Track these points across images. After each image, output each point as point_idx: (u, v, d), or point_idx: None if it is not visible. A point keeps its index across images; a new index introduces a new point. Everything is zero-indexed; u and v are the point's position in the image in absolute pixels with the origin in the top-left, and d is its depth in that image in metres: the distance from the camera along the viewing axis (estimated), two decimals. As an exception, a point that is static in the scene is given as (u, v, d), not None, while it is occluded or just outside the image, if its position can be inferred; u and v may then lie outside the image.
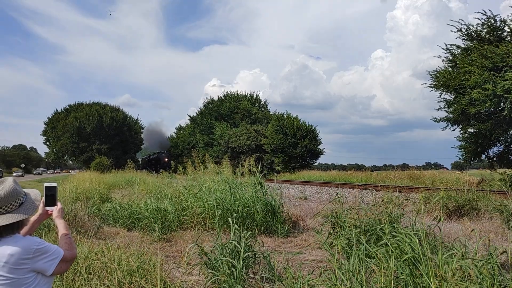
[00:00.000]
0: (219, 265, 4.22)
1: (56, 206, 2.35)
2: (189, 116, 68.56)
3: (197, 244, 4.50)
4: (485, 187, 16.12)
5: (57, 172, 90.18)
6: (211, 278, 4.15)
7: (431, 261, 3.59)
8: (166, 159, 53.70)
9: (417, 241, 3.92)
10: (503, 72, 16.83)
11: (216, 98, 64.75)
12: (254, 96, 62.53)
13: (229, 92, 64.37)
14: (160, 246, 6.37)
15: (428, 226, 4.84)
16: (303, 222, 8.45)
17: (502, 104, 17.27)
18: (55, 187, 2.40)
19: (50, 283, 2.06)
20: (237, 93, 63.22)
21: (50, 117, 58.77)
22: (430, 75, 21.33)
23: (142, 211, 8.19)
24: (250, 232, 5.71)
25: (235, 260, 4.29)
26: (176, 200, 8.49)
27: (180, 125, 73.64)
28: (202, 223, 7.53)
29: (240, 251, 4.38)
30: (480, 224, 7.07)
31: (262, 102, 62.26)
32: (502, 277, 3.53)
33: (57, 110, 59.68)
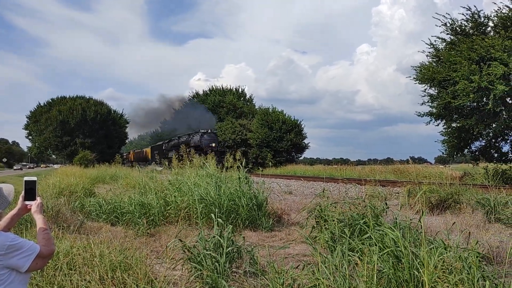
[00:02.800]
0: (202, 259, 4.20)
1: (35, 201, 2.30)
2: (174, 109, 67.98)
3: (180, 239, 4.47)
4: (467, 181, 16.34)
5: (38, 166, 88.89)
6: (194, 272, 4.13)
7: (413, 254, 3.62)
8: (214, 144, 37.16)
9: (400, 234, 3.94)
10: (486, 66, 17.04)
11: (201, 92, 64.43)
12: (240, 90, 62.40)
13: (214, 86, 64.13)
14: (144, 241, 6.32)
15: (411, 220, 4.87)
16: (288, 217, 8.47)
17: (485, 98, 17.48)
18: (34, 181, 2.36)
19: (26, 280, 2.02)
20: (223, 87, 63.03)
21: (33, 110, 57.89)
22: (415, 69, 21.49)
23: (126, 206, 8.12)
24: (234, 226, 5.71)
25: (219, 254, 4.28)
26: (160, 195, 8.43)
27: (165, 119, 73.09)
28: (187, 218, 7.50)
29: (224, 246, 4.37)
30: (462, 218, 7.15)
31: (248, 96, 62.15)
32: (482, 269, 3.56)
33: (39, 104, 58.80)
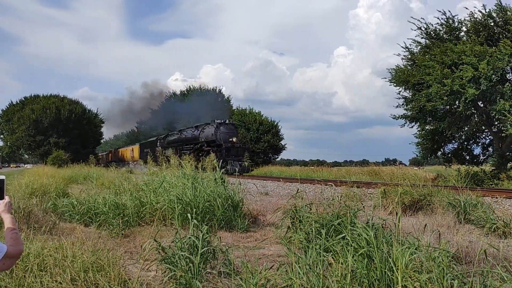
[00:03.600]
0: (176, 260, 4.18)
1: (3, 200, 2.26)
2: (151, 109, 67.33)
3: (155, 240, 4.44)
4: (440, 182, 16.63)
5: (8, 166, 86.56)
6: (168, 273, 4.11)
7: (387, 253, 3.68)
8: (234, 139, 29.40)
9: (373, 235, 4.00)
10: (458, 70, 17.44)
11: (178, 92, 64.05)
12: (217, 91, 62.29)
13: (192, 87, 63.88)
14: (118, 242, 6.25)
15: (384, 220, 4.95)
16: (263, 217, 8.49)
17: (457, 102, 17.88)
18: (3, 180, 2.32)
19: None
20: (200, 88, 62.82)
21: (5, 109, 56.51)
22: (390, 72, 21.85)
23: (100, 206, 8.01)
24: (210, 227, 5.70)
25: (193, 255, 4.27)
26: (135, 196, 8.35)
27: (141, 119, 72.35)
28: (162, 219, 7.45)
29: (198, 246, 4.36)
30: (434, 218, 7.30)
31: (225, 97, 62.09)
32: (452, 269, 3.65)
33: (12, 102, 57.39)
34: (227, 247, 4.84)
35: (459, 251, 4.72)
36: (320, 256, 3.94)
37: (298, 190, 6.77)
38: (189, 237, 4.52)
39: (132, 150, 51.24)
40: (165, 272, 4.21)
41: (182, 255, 4.20)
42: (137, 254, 5.28)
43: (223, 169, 28.01)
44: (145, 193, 8.50)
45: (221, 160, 25.01)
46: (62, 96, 57.89)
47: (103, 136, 66.02)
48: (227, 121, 30.71)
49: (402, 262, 3.39)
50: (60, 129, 52.92)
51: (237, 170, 25.78)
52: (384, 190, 8.49)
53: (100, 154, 67.95)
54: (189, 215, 5.20)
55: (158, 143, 40.10)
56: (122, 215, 7.55)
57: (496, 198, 9.76)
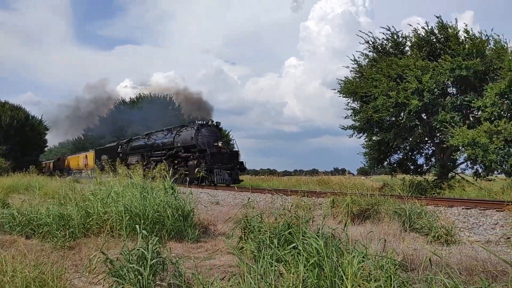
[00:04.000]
0: (125, 273, 4.06)
1: None
2: (99, 117, 65.55)
3: (102, 252, 4.29)
4: (386, 191, 17.14)
5: None
6: (116, 286, 3.98)
7: (336, 262, 3.74)
8: (220, 143, 25.15)
9: (323, 244, 4.06)
10: (403, 83, 18.18)
11: (128, 100, 62.80)
12: (168, 98, 61.62)
13: (142, 94, 62.81)
14: (62, 254, 5.99)
15: (333, 229, 5.03)
16: (214, 227, 8.43)
17: (402, 113, 18.59)
18: None
19: None
20: (150, 95, 61.90)
21: None
22: (339, 83, 22.44)
23: (43, 217, 7.66)
24: (160, 238, 5.58)
25: (142, 267, 4.16)
26: (81, 206, 8.05)
27: (89, 126, 70.22)
28: (110, 230, 7.22)
29: (148, 258, 4.25)
30: (381, 227, 7.50)
31: (176, 105, 61.49)
32: (398, 276, 3.75)
33: None
34: (178, 258, 4.76)
35: (404, 259, 4.86)
36: (271, 266, 3.94)
37: (249, 199, 6.77)
38: (138, 249, 4.41)
39: (86, 157, 46.84)
40: (112, 285, 4.08)
41: (130, 267, 4.08)
42: (83, 267, 5.09)
43: (204, 181, 23.50)
44: (92, 203, 8.22)
45: (204, 169, 22.08)
46: (3, 101, 55.20)
47: (47, 144, 63.35)
48: (209, 122, 26.03)
49: (352, 271, 3.45)
50: (1, 136, 50.38)
51: (226, 181, 23.18)
52: (333, 199, 8.64)
53: (44, 162, 64.93)
54: (137, 226, 5.06)
55: (119, 149, 36.01)
56: (67, 226, 7.26)
57: (439, 206, 10.18)
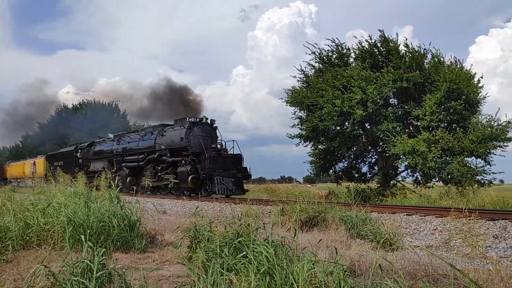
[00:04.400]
0: (68, 286, 3.89)
1: None
2: (39, 123, 62.84)
3: (44, 265, 4.09)
4: (332, 199, 17.52)
5: None
6: (59, 301, 3.80)
7: (286, 270, 3.76)
8: (218, 145, 21.21)
9: (273, 252, 4.08)
10: (348, 93, 18.74)
11: (70, 106, 60.72)
12: (113, 105, 60.14)
13: (85, 101, 60.92)
14: (-2, 268, 5.66)
15: (283, 237, 5.07)
16: (162, 237, 8.26)
17: (347, 122, 19.15)
18: None
19: None
20: (95, 102, 60.16)
21: None
22: (286, 93, 22.79)
23: (-24, 229, 7.20)
24: (105, 248, 5.40)
25: (87, 280, 4.00)
26: (20, 217, 7.65)
27: (27, 133, 67.16)
28: (51, 241, 6.90)
29: (93, 270, 4.10)
30: (328, 234, 7.64)
31: (121, 112, 60.11)
32: (347, 282, 3.82)
33: None
34: (124, 270, 4.61)
35: (352, 265, 4.96)
36: (222, 275, 3.91)
37: (197, 208, 6.70)
38: (83, 261, 4.24)
39: (34, 164, 41.79)
40: (55, 300, 3.89)
41: (75, 280, 3.91)
42: (21, 281, 4.82)
43: (200, 191, 19.88)
44: (32, 213, 7.83)
45: (202, 176, 19.15)
46: None
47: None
48: (203, 119, 21.54)
49: (303, 278, 3.49)
50: None
51: (230, 191, 19.03)
52: (282, 207, 8.72)
53: None
54: (82, 236, 4.88)
55: (78, 154, 31.71)
56: (4, 238, 6.86)
57: (382, 213, 10.52)
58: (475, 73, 18.63)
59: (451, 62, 19.60)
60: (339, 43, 22.24)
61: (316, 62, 22.75)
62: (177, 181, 20.50)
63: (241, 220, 5.90)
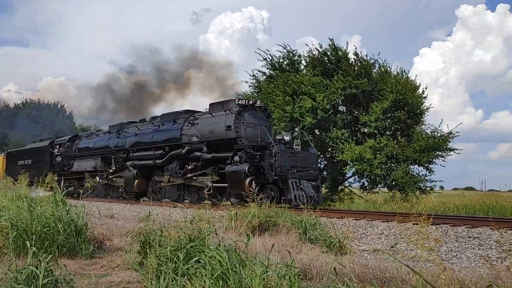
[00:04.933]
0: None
1: None
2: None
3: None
4: (282, 204, 17.67)
5: None
6: (1, 310, 3.62)
7: (240, 274, 3.77)
8: (287, 137, 15.57)
9: (227, 256, 4.08)
10: (299, 100, 19.06)
11: (12, 106, 58.02)
12: (59, 106, 58.06)
13: (29, 100, 58.42)
14: None
15: (235, 242, 5.07)
16: (110, 242, 8.04)
17: (297, 128, 19.47)
18: None
19: None
20: (39, 101, 57.83)
21: None
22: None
23: None
24: (51, 255, 5.20)
25: (32, 287, 3.84)
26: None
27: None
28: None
29: (39, 277, 3.94)
30: (280, 238, 7.72)
31: (68, 113, 58.13)
32: (299, 285, 3.88)
33: None
34: (72, 276, 4.46)
35: (304, 268, 5.04)
36: (175, 281, 3.86)
37: (150, 212, 6.58)
38: (27, 267, 4.06)
39: None
40: (-4, 308, 3.70)
41: (19, 288, 3.75)
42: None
43: (263, 197, 13.15)
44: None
45: (271, 178, 13.67)
46: None
47: None
48: (257, 103, 16.55)
49: (257, 282, 3.51)
50: None
51: (312, 198, 13.45)
52: (236, 212, 8.73)
53: None
54: (27, 242, 4.67)
55: (56, 151, 25.81)
56: None
57: (331, 218, 10.75)
58: (419, 84, 19.46)
59: (397, 72, 20.38)
60: (291, 50, 22.66)
61: (267, 68, 23.03)
62: (221, 184, 15.27)
63: (193, 224, 5.86)
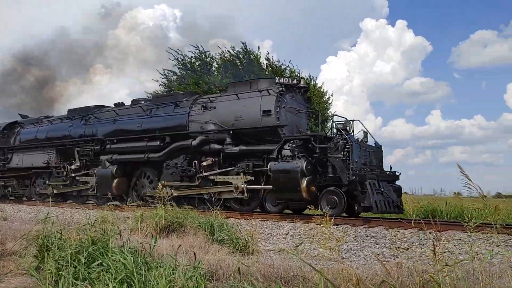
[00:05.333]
0: None
1: None
2: None
3: None
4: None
5: None
6: None
7: (145, 277, 3.69)
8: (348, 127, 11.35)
9: (131, 259, 3.97)
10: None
11: None
12: None
13: None
14: None
15: (141, 244, 4.95)
16: (2, 246, 7.45)
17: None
18: None
19: None
20: None
21: None
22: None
23: None
24: None
25: None
26: None
27: None
28: None
29: None
30: (187, 240, 7.66)
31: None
32: (206, 286, 3.88)
33: None
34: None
35: (211, 269, 5.05)
36: (74, 286, 3.68)
37: (48, 214, 6.21)
38: None
39: None
40: None
41: None
42: None
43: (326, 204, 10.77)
44: None
45: (345, 179, 10.40)
46: None
47: None
48: (301, 82, 12.96)
49: (163, 284, 3.46)
50: None
51: (394, 205, 10.79)
52: (141, 214, 8.51)
53: None
54: None
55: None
56: None
57: (239, 219, 10.89)
58: (326, 91, 20.40)
59: (307, 78, 21.20)
60: (203, 51, 22.63)
61: (179, 68, 22.81)
62: (257, 186, 11.88)
63: (96, 226, 5.64)
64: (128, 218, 9.12)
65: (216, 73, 21.91)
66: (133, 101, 16.27)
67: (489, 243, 7.22)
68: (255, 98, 12.13)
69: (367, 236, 8.61)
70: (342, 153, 10.79)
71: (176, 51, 22.62)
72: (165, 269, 3.90)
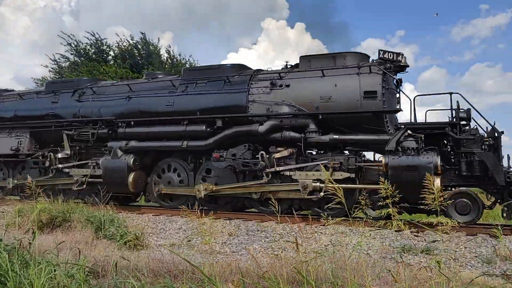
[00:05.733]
0: None
1: None
2: None
3: None
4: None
5: None
6: None
7: (22, 275, 3.46)
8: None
9: (7, 256, 3.72)
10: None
11: None
12: None
13: None
14: None
15: (19, 240, 4.63)
16: None
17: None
18: None
19: None
20: None
21: None
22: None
23: None
24: None
25: None
26: None
27: None
28: None
29: None
30: (72, 235, 7.30)
31: None
32: (89, 283, 3.75)
33: None
34: None
35: (96, 266, 4.88)
36: None
37: None
38: None
39: None
40: None
41: None
42: None
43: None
44: None
45: (501, 181, 8.38)
46: None
47: None
48: (403, 59, 9.93)
49: (39, 283, 3.27)
50: None
51: None
52: (19, 208, 7.94)
53: None
54: None
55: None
56: None
57: (131, 213, 10.60)
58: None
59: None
60: (99, 38, 21.57)
61: (72, 54, 21.53)
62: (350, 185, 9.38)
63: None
64: (4, 212, 8.45)
65: (112, 62, 21.04)
66: (147, 74, 13.25)
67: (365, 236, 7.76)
68: (351, 76, 9.84)
69: (258, 230, 8.86)
70: (483, 147, 8.87)
71: (69, 36, 21.28)
72: (45, 266, 3.69)
